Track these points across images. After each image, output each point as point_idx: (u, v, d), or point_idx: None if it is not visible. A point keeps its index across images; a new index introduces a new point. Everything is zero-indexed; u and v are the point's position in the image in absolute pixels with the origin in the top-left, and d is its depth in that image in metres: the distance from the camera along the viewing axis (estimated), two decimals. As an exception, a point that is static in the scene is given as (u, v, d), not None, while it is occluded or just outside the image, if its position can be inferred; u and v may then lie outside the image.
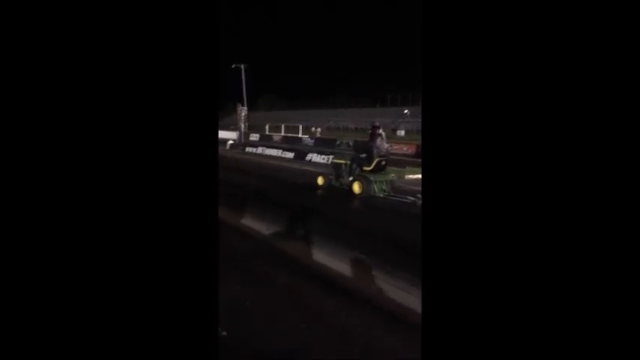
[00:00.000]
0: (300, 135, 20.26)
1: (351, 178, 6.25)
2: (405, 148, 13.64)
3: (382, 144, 6.29)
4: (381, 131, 6.47)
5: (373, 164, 6.05)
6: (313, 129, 23.06)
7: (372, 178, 6.00)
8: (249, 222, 4.47)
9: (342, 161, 6.71)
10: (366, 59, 42.67)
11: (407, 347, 1.93)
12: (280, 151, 13.97)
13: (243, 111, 21.85)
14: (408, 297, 2.48)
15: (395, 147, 8.35)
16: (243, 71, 26.24)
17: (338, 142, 15.87)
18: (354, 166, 6.32)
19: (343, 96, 28.56)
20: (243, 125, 21.40)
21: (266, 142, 18.58)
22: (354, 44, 44.54)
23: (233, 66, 26.53)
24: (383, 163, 6.19)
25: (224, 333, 1.92)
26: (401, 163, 7.27)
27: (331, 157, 9.70)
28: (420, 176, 5.98)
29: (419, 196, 5.31)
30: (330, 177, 6.80)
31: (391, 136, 7.98)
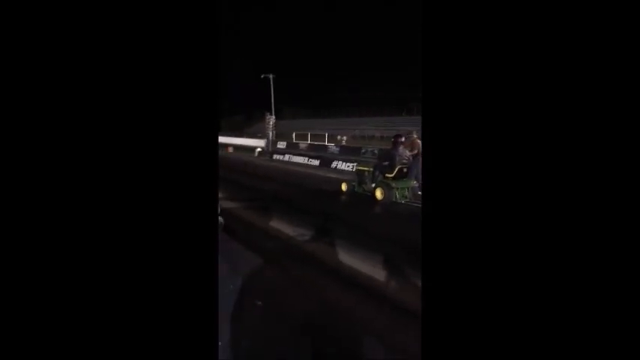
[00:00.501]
0: (326, 143, 20.56)
1: (373, 185, 6.50)
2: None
3: (404, 152, 6.49)
4: (410, 139, 6.68)
5: (395, 171, 6.28)
6: (339, 137, 23.34)
7: (393, 184, 6.21)
8: (277, 224, 4.83)
9: (365, 168, 6.99)
10: (368, 59, 42.86)
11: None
12: (306, 158, 14.33)
13: (271, 119, 22.42)
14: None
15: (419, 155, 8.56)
16: (271, 81, 27.17)
17: (363, 150, 16.07)
18: (377, 173, 6.56)
19: (369, 104, 28.74)
20: (271, 133, 21.96)
21: (293, 149, 19.02)
22: (355, 44, 44.94)
23: (262, 76, 27.57)
24: (405, 170, 6.39)
25: (259, 303, 2.16)
26: (424, 170, 7.39)
27: (356, 164, 9.93)
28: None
29: None
30: (353, 183, 7.08)
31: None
